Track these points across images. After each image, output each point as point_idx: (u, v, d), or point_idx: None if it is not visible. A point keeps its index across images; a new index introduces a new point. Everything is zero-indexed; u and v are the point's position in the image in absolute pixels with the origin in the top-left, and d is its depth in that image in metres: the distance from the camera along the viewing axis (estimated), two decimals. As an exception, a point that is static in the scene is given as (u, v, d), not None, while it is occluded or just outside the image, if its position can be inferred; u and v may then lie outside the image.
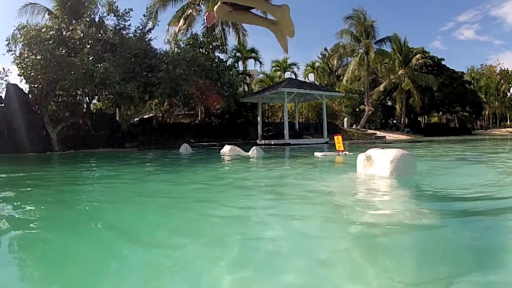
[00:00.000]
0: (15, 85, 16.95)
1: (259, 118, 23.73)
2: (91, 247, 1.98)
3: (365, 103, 33.54)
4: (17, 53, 15.72)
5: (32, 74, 15.47)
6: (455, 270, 1.56)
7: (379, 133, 30.82)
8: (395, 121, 40.70)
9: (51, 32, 15.83)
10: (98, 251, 1.90)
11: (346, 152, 8.40)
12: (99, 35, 17.60)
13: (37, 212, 3.03)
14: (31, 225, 2.54)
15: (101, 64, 15.54)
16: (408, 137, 29.87)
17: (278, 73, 38.39)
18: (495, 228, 2.18)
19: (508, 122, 54.10)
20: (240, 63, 30.57)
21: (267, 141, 21.12)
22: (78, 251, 1.91)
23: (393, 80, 35.03)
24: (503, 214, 2.50)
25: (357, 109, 36.51)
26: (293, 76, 35.81)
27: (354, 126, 34.14)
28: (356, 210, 2.73)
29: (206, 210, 2.86)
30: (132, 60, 17.95)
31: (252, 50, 30.33)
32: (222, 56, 24.95)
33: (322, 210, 2.77)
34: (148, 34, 19.34)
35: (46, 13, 20.44)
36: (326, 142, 20.20)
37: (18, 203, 3.44)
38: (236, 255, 1.76)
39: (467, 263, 1.64)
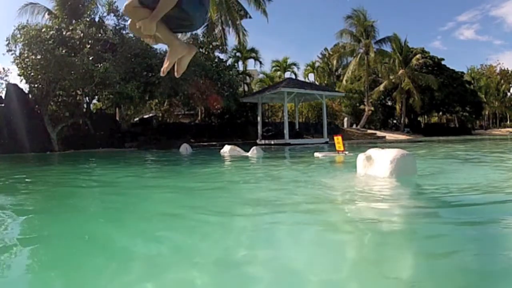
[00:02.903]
0: (15, 85, 16.97)
1: (259, 118, 23.73)
2: (74, 255, 1.95)
3: (365, 103, 33.54)
4: (17, 53, 15.73)
5: (32, 74, 15.47)
6: (455, 271, 1.55)
7: (379, 133, 30.81)
8: (395, 121, 40.70)
9: (51, 32, 15.83)
10: (78, 261, 1.87)
11: (346, 152, 8.40)
12: (99, 35, 17.60)
13: (31, 213, 3.03)
14: (22, 228, 2.54)
15: (101, 64, 15.54)
16: (408, 137, 29.85)
17: (278, 73, 38.37)
18: (496, 228, 2.17)
19: (508, 122, 54.11)
20: (240, 63, 30.57)
21: (267, 141, 21.11)
22: (62, 260, 1.89)
23: (393, 80, 35.02)
24: (504, 214, 2.50)
25: (357, 109, 36.50)
26: (293, 76, 35.78)
27: (354, 126, 34.14)
28: (356, 210, 2.73)
29: (200, 216, 2.71)
30: (132, 60, 17.96)
31: (252, 50, 30.31)
32: (222, 56, 25.00)
33: (322, 210, 2.76)
34: (148, 34, 19.28)
35: (46, 13, 20.44)
36: (326, 142, 20.20)
37: (14, 205, 3.44)
38: (225, 266, 1.74)
39: (468, 264, 1.64)
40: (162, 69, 2.28)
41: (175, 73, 2.33)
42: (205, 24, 26.46)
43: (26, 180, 5.76)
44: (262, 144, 19.01)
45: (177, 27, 2.29)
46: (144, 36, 2.15)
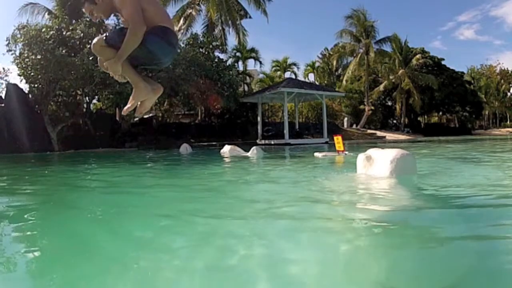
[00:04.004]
0: (15, 85, 16.97)
1: (259, 118, 23.72)
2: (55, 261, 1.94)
3: (365, 103, 33.54)
4: (17, 53, 15.73)
5: (32, 74, 15.47)
6: (455, 272, 1.55)
7: (379, 133, 30.80)
8: (395, 121, 40.68)
9: (51, 32, 15.82)
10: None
11: (346, 152, 8.40)
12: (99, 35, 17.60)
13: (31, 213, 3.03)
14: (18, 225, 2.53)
15: (101, 64, 15.51)
16: (408, 137, 29.85)
17: (278, 73, 38.38)
18: (497, 228, 2.17)
19: (508, 122, 54.06)
20: (240, 63, 30.57)
21: (267, 141, 21.12)
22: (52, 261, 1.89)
23: (393, 80, 35.02)
24: (505, 213, 2.50)
25: (357, 109, 36.50)
26: (293, 76, 35.80)
27: (354, 126, 34.13)
28: (355, 210, 2.73)
29: (197, 217, 2.63)
30: (132, 60, 17.94)
31: (252, 50, 30.30)
32: (222, 56, 24.97)
33: (321, 210, 2.76)
34: (148, 34, 19.29)
35: (46, 13, 20.45)
36: (326, 142, 20.20)
37: (12, 206, 3.44)
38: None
39: (468, 265, 1.63)
40: (124, 108, 2.28)
41: (136, 112, 2.34)
42: (205, 25, 26.56)
43: (26, 180, 5.77)
44: (262, 144, 19.00)
45: (146, 64, 2.31)
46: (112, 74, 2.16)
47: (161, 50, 2.17)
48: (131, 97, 2.27)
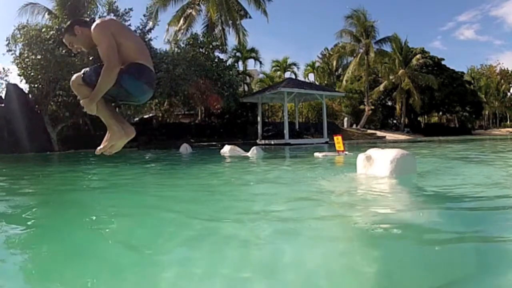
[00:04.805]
0: (15, 85, 16.97)
1: (259, 118, 23.71)
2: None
3: (365, 103, 33.54)
4: (17, 53, 15.73)
5: (32, 74, 15.47)
6: (455, 273, 1.55)
7: (379, 133, 30.80)
8: (395, 121, 40.68)
9: (51, 32, 15.82)
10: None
11: (346, 152, 8.40)
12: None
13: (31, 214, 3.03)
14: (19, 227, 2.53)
15: (101, 64, 15.52)
16: (408, 137, 29.84)
17: (278, 73, 38.40)
18: (498, 228, 2.17)
19: (508, 122, 54.07)
20: (240, 63, 30.58)
21: (267, 141, 21.11)
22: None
23: (393, 80, 35.00)
24: (505, 213, 2.49)
25: (357, 109, 36.50)
26: (293, 76, 35.81)
27: (354, 126, 34.13)
28: (355, 210, 2.72)
29: (194, 219, 2.58)
30: (132, 60, 17.91)
31: (252, 50, 30.32)
32: (222, 56, 24.97)
33: (321, 211, 2.75)
34: (148, 34, 19.35)
35: (46, 13, 20.41)
36: (326, 142, 20.19)
37: (11, 207, 3.44)
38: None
39: (468, 265, 1.63)
40: (97, 149, 2.28)
41: (106, 152, 2.34)
42: (205, 25, 26.56)
43: (26, 180, 5.76)
44: (262, 144, 18.99)
45: (124, 100, 2.33)
46: None
47: (137, 89, 2.16)
48: (105, 139, 2.27)
